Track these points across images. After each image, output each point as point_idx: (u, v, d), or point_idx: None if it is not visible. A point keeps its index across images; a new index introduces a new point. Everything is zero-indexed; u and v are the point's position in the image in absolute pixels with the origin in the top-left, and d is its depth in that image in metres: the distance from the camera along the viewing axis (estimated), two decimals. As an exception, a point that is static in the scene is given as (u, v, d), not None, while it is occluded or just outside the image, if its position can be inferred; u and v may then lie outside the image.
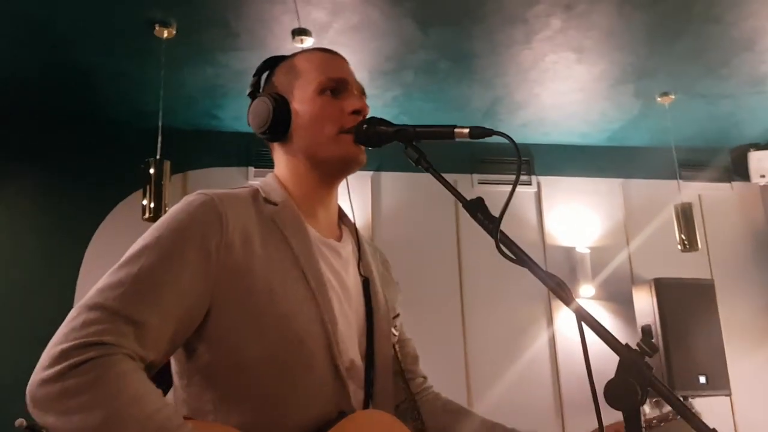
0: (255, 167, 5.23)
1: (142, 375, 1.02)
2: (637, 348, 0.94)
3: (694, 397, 4.62)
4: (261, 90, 1.37)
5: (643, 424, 1.21)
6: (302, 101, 1.29)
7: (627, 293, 5.26)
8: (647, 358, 0.93)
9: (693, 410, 0.94)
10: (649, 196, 5.70)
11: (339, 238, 1.34)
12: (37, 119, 5.02)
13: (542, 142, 5.69)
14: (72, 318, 1.03)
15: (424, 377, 1.47)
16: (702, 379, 4.65)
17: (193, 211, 1.14)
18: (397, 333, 1.40)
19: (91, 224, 4.94)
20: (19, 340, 4.50)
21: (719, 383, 4.71)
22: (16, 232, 4.94)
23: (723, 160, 5.91)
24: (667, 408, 1.22)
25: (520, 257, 1.07)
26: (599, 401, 0.95)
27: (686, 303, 4.85)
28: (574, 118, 5.38)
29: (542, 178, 5.70)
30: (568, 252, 5.52)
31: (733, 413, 5.20)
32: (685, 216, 4.95)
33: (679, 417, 1.20)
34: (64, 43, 4.21)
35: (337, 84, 1.29)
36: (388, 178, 5.43)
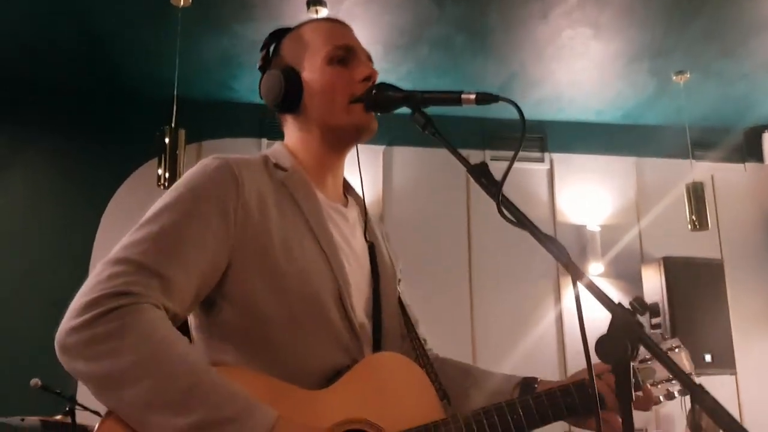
0: (268, 139, 5.27)
1: (168, 323, 1.07)
2: (629, 307, 0.98)
3: (699, 375, 4.65)
4: (270, 63, 1.39)
5: (635, 363, 1.25)
6: (312, 72, 1.31)
7: (636, 272, 5.28)
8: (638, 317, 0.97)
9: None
10: (662, 175, 5.69)
11: (345, 205, 1.38)
12: (56, 86, 5.08)
13: (556, 119, 5.69)
14: (98, 272, 1.07)
15: (425, 340, 1.52)
16: (707, 357, 4.68)
17: (210, 173, 1.18)
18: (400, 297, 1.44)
19: (106, 191, 5.02)
20: (36, 304, 4.61)
21: (725, 362, 4.74)
22: (34, 196, 5.03)
23: (737, 141, 5.88)
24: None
25: (521, 220, 1.10)
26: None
27: (695, 282, 4.86)
28: (589, 95, 5.37)
29: (555, 156, 5.70)
30: (579, 230, 5.54)
31: (738, 392, 5.23)
32: (696, 195, 4.95)
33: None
34: (82, 12, 4.25)
35: (345, 52, 1.32)
36: (399, 153, 5.45)
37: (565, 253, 1.05)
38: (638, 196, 5.72)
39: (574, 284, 1.00)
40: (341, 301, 1.22)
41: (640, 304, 0.98)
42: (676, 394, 1.31)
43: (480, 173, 1.15)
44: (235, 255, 1.16)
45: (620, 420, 1.18)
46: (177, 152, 4.13)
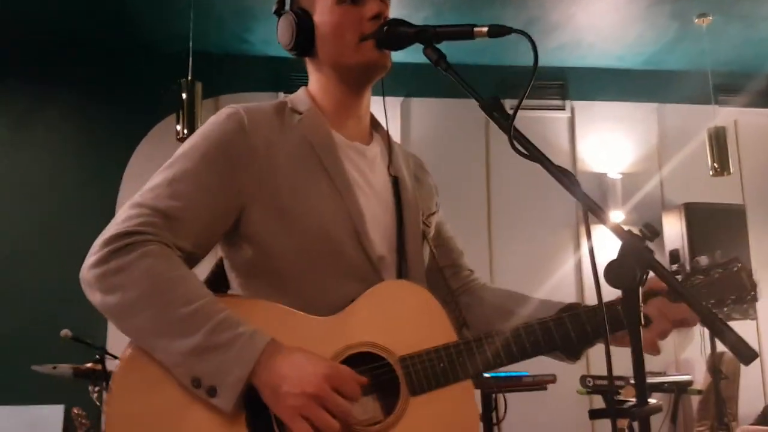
0: (284, 92, 5.25)
1: (174, 259, 1.16)
2: (639, 233, 0.99)
3: (719, 321, 4.66)
4: (284, 6, 1.39)
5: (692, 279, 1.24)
6: (323, 13, 1.31)
7: (657, 219, 5.25)
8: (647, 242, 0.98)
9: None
10: (684, 121, 5.61)
11: (367, 143, 1.39)
12: (75, 44, 5.11)
13: (577, 65, 5.60)
14: (118, 215, 1.19)
15: (471, 270, 1.54)
16: (728, 303, 4.68)
17: (221, 122, 1.26)
18: (432, 230, 1.46)
19: (128, 146, 5.09)
20: (61, 257, 4.70)
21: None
22: (58, 153, 5.11)
23: (760, 85, 5.76)
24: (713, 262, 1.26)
25: (532, 153, 1.11)
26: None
27: (716, 227, 4.84)
28: (610, 40, 5.27)
29: (576, 103, 5.64)
30: (600, 178, 5.51)
31: (758, 337, 5.24)
32: (718, 140, 4.89)
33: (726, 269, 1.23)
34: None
35: None
36: (417, 104, 5.42)
37: (577, 185, 1.06)
38: (660, 143, 5.66)
39: (585, 216, 1.01)
40: (357, 235, 1.25)
41: (650, 231, 0.99)
42: (736, 314, 1.25)
43: (492, 107, 1.16)
44: (246, 198, 1.22)
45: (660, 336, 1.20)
46: (194, 106, 4.15)
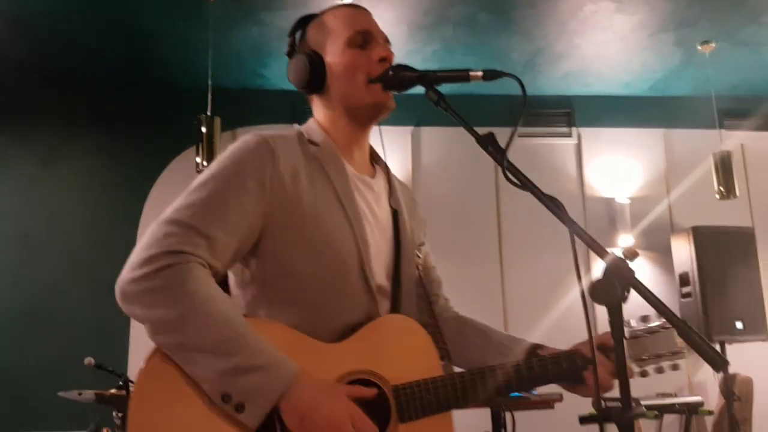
0: (299, 123, 5.39)
1: (212, 280, 1.25)
2: (621, 255, 1.10)
3: (731, 342, 4.69)
4: (296, 48, 1.53)
5: (628, 335, 1.36)
6: (334, 55, 1.45)
7: (666, 243, 5.29)
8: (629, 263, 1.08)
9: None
10: (691, 146, 5.69)
11: (372, 175, 1.52)
12: (100, 82, 5.33)
13: (583, 93, 5.72)
14: (155, 231, 1.25)
15: (446, 299, 1.66)
16: (739, 325, 4.71)
17: (251, 149, 1.34)
18: (421, 260, 1.58)
19: (149, 179, 5.26)
20: (86, 286, 4.87)
21: (756, 328, 4.76)
22: (82, 187, 5.30)
23: (766, 109, 5.85)
24: (652, 324, 1.37)
25: (524, 183, 1.23)
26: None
27: (725, 250, 4.88)
28: (616, 68, 5.40)
29: (583, 130, 5.75)
30: (608, 203, 5.58)
31: (771, 359, 5.25)
32: (724, 164, 4.96)
33: (661, 330, 1.35)
34: (121, 9, 4.44)
35: (364, 36, 1.45)
36: (427, 133, 5.55)
37: (564, 211, 1.17)
38: (667, 168, 5.74)
39: (572, 238, 1.12)
40: (360, 265, 1.36)
41: (630, 253, 1.11)
42: (666, 369, 1.38)
43: (487, 142, 1.28)
44: (269, 221, 1.32)
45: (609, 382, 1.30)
46: (213, 139, 4.32)
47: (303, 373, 1.21)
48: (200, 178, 1.32)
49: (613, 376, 1.31)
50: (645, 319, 1.35)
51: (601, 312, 1.11)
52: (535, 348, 1.45)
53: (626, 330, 1.34)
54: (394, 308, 1.43)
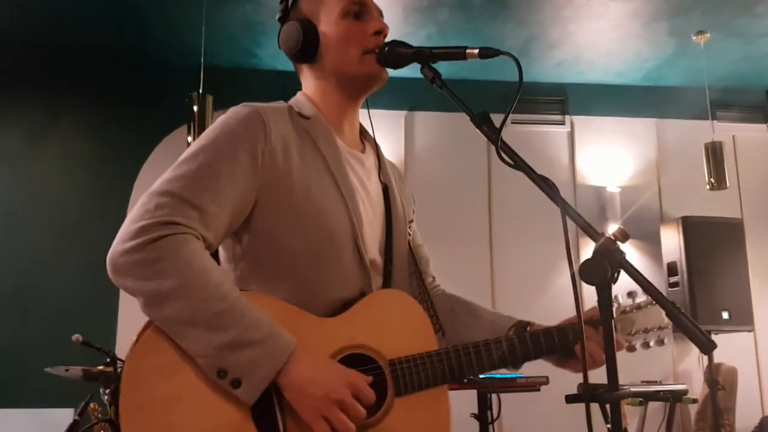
0: (292, 104, 5.37)
1: (206, 252, 1.22)
2: (611, 236, 1.10)
3: (717, 332, 4.73)
4: (288, 15, 1.49)
5: (617, 311, 1.37)
6: (328, 24, 1.42)
7: (655, 232, 5.33)
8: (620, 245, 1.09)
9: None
10: (683, 136, 5.72)
11: (362, 151, 1.50)
12: (89, 57, 5.26)
13: (577, 81, 5.72)
14: (145, 202, 1.22)
15: (434, 277, 1.66)
16: (725, 315, 4.75)
17: (242, 119, 1.31)
18: (411, 236, 1.58)
19: (138, 158, 5.21)
20: (73, 266, 4.85)
21: (743, 319, 4.80)
22: (71, 165, 5.25)
23: (758, 100, 5.87)
24: (639, 299, 1.38)
25: (517, 163, 1.23)
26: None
27: (714, 241, 4.91)
28: (609, 57, 5.39)
29: (576, 118, 5.75)
30: (599, 191, 5.60)
31: (756, 348, 5.31)
32: (715, 155, 4.98)
33: (648, 306, 1.36)
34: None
35: (359, 7, 1.43)
36: (421, 117, 5.54)
37: (556, 190, 1.17)
38: (659, 158, 5.76)
39: (563, 217, 1.12)
40: (354, 239, 1.35)
41: (621, 234, 1.10)
42: (652, 344, 1.38)
43: (482, 121, 1.27)
44: (261, 193, 1.30)
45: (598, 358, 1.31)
46: (205, 118, 4.29)
47: (300, 345, 1.19)
48: (191, 148, 1.29)
49: (603, 349, 1.32)
50: (632, 294, 1.35)
51: (590, 292, 1.11)
52: (524, 325, 1.45)
53: (614, 305, 1.34)
54: (387, 284, 1.41)
